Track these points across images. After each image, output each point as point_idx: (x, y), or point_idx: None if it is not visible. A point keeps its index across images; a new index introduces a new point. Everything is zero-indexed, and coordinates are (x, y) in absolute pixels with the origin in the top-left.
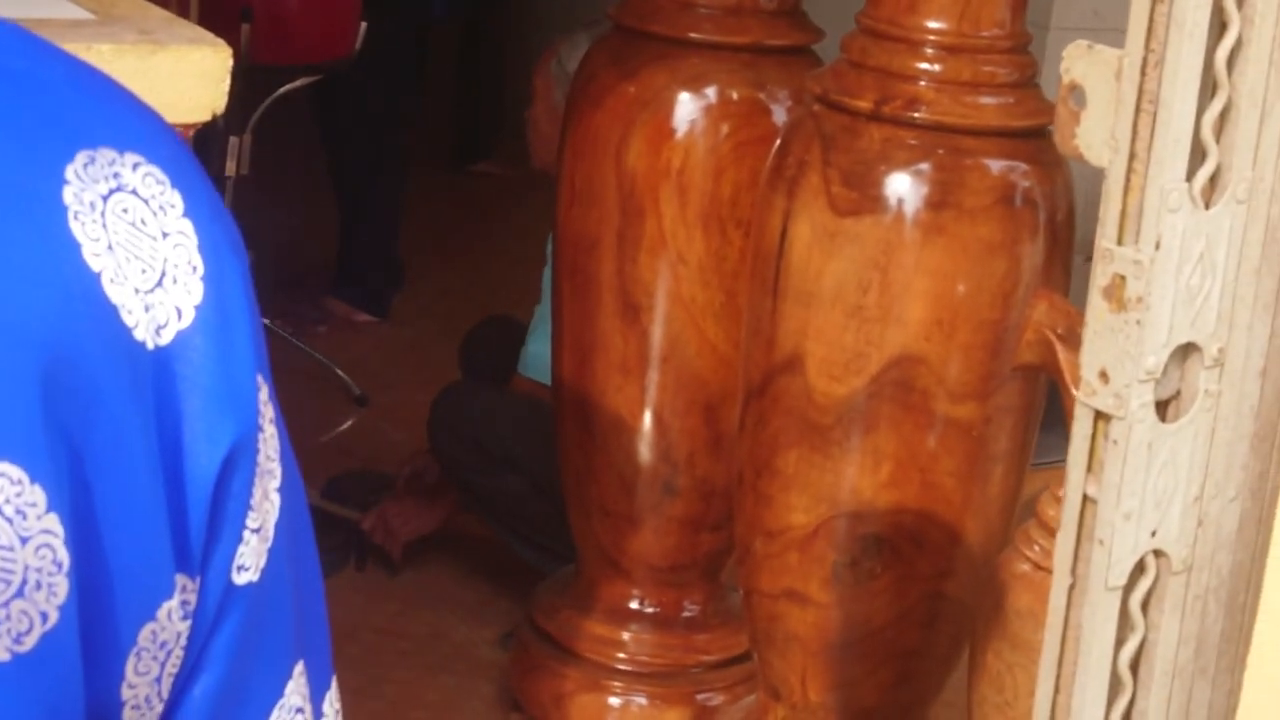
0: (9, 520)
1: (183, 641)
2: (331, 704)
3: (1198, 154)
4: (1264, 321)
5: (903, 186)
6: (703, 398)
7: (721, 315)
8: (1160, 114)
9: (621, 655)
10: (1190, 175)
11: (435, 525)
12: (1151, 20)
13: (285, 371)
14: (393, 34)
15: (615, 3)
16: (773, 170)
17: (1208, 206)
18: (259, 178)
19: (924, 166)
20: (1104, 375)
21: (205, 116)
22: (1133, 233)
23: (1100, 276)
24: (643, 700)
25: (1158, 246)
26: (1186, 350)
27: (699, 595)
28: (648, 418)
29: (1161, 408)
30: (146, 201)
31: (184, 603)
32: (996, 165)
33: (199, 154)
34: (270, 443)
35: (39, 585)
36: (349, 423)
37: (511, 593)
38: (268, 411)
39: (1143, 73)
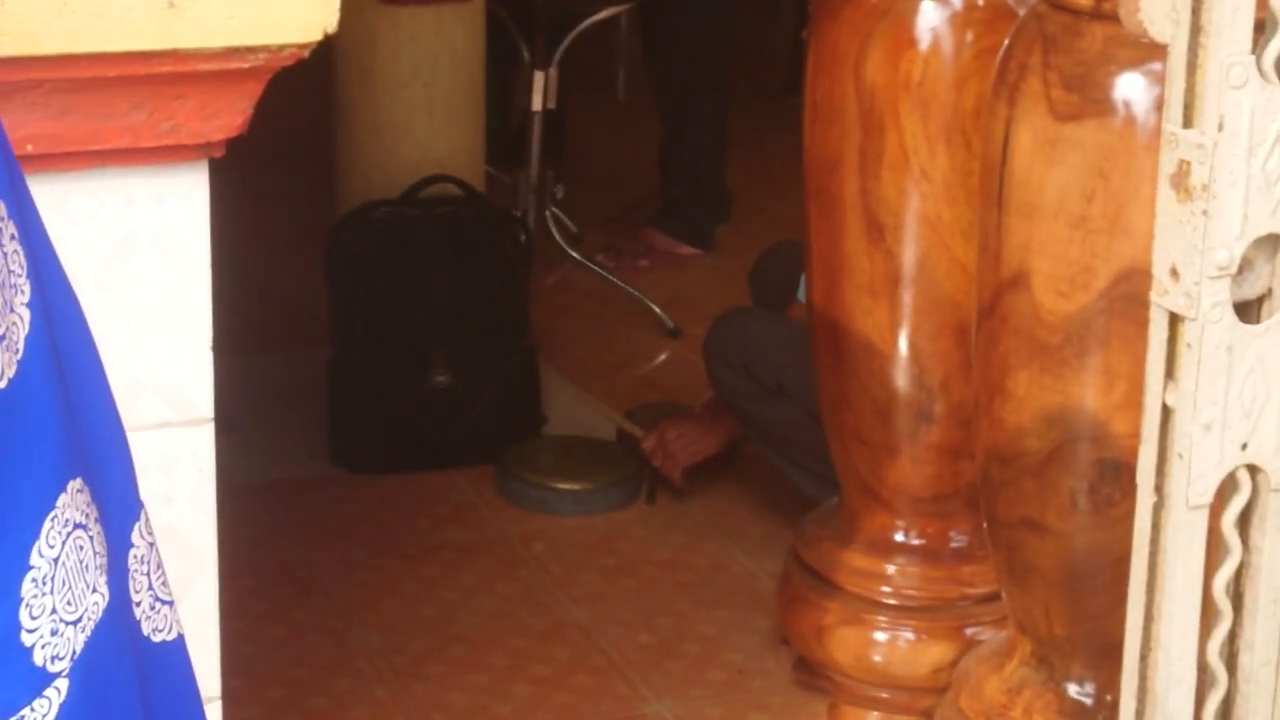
0: None
1: None
2: (142, 535)
3: (1271, 26)
4: None
5: (1125, 88)
6: (954, 320)
7: (970, 233)
8: None
9: (885, 588)
10: (1261, 48)
11: (714, 449)
12: None
13: (604, 304)
14: None
15: None
16: (997, 76)
17: None
18: (578, 112)
19: (1151, 66)
20: (1174, 272)
21: (317, 36)
22: (1198, 114)
23: (1166, 164)
24: (909, 634)
25: (1221, 127)
26: (1275, 243)
27: (965, 525)
28: (899, 342)
29: (1249, 308)
30: None
31: None
32: None
33: (504, 88)
34: (14, 258)
35: None
36: (662, 357)
37: None
38: (6, 228)
39: None
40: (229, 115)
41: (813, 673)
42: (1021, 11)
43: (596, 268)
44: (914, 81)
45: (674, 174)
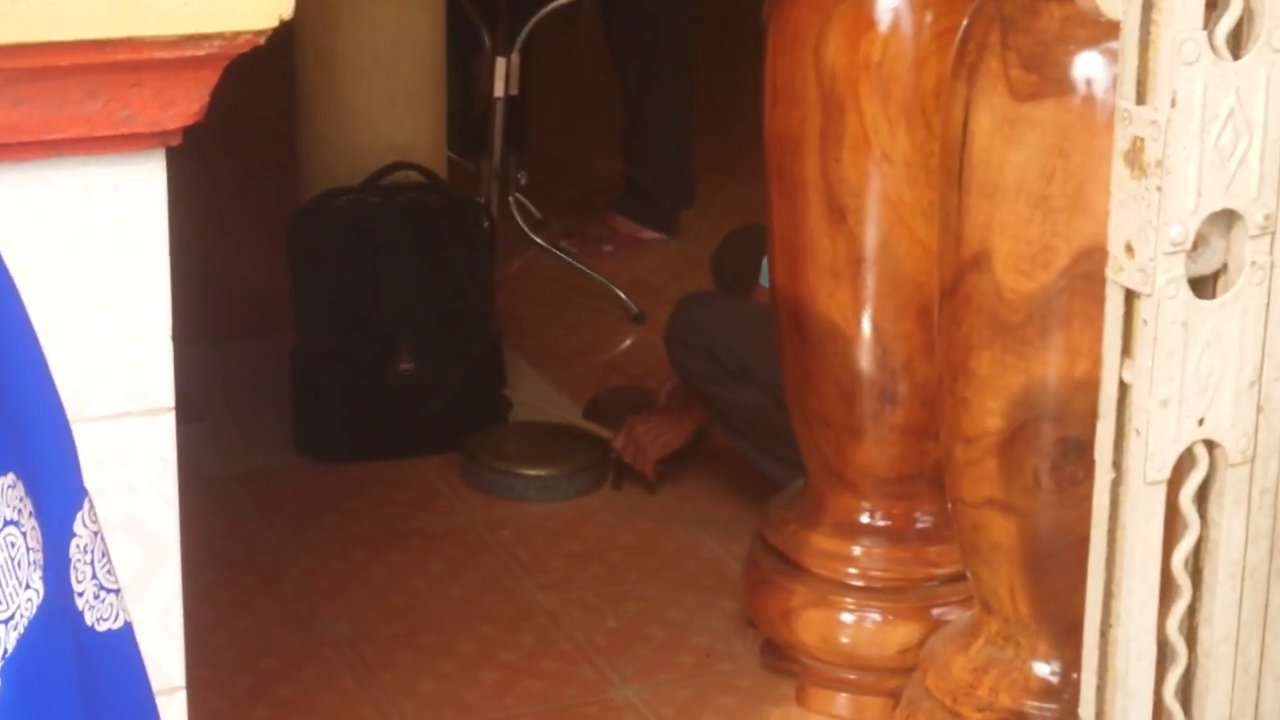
0: None
1: None
2: (85, 524)
3: (1224, 3)
4: None
5: (1083, 67)
6: (917, 300)
7: (931, 213)
8: None
9: (851, 570)
10: (1213, 24)
11: (684, 440)
12: None
13: (569, 290)
14: None
15: None
16: (956, 57)
17: (1236, 57)
18: (541, 98)
19: (1109, 45)
20: (1129, 249)
21: (273, 22)
22: (1151, 91)
23: (1120, 140)
24: (875, 616)
25: (1174, 103)
26: (1230, 219)
27: (930, 506)
28: (861, 323)
29: (1206, 283)
30: None
31: None
32: None
33: (465, 75)
34: None
35: None
36: (627, 341)
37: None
38: None
39: None
40: (185, 103)
41: (780, 655)
42: None
43: (560, 253)
44: (874, 62)
45: (637, 159)
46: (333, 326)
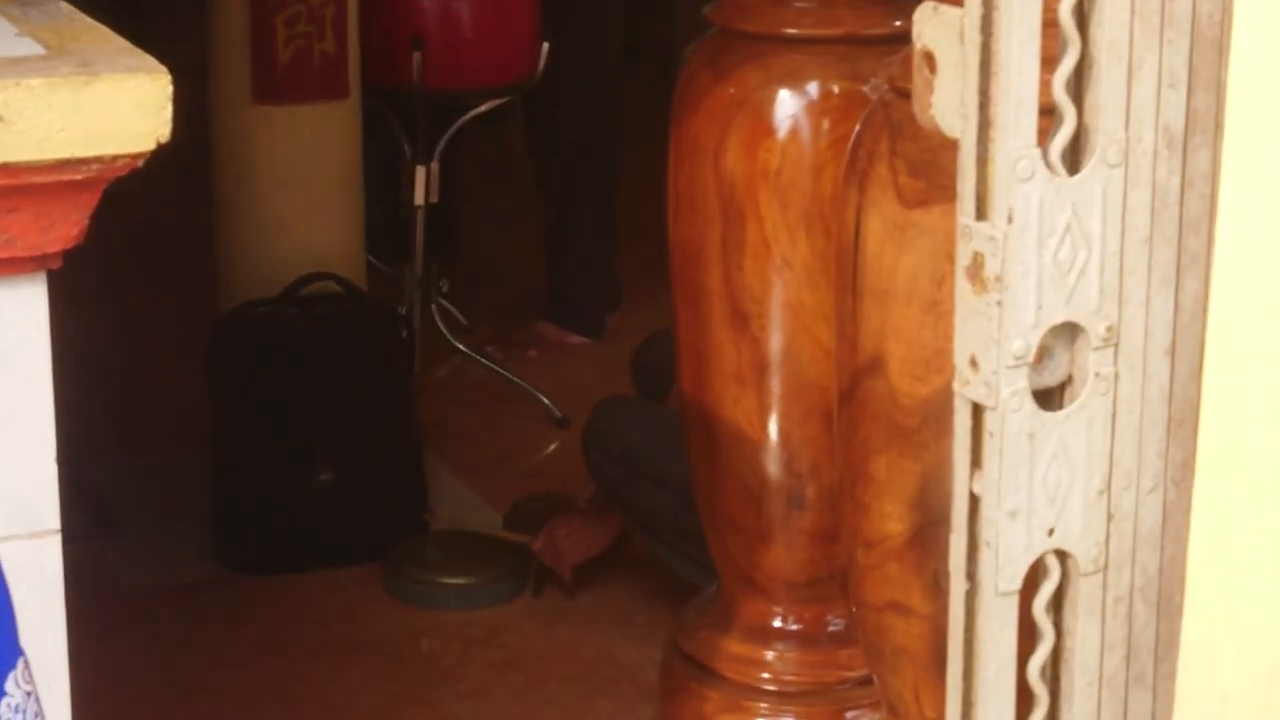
0: None
1: None
2: (18, 684)
3: (1058, 119)
4: (1164, 296)
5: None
6: (822, 405)
7: (833, 318)
8: (999, 76)
9: (765, 675)
10: (1048, 141)
11: (603, 545)
12: None
13: (492, 396)
14: (582, 48)
15: (711, 4)
16: (848, 164)
17: (1072, 173)
18: (467, 203)
19: None
20: (974, 363)
21: (150, 145)
22: (990, 207)
23: (962, 255)
24: None
25: (1010, 220)
26: (1072, 331)
27: (841, 609)
28: (768, 428)
29: (1052, 394)
30: None
31: None
32: None
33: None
34: None
35: None
36: (551, 447)
37: None
38: None
39: (984, 33)
40: (65, 226)
41: None
42: (874, 99)
43: (485, 359)
44: (772, 170)
45: (561, 263)
46: (252, 437)
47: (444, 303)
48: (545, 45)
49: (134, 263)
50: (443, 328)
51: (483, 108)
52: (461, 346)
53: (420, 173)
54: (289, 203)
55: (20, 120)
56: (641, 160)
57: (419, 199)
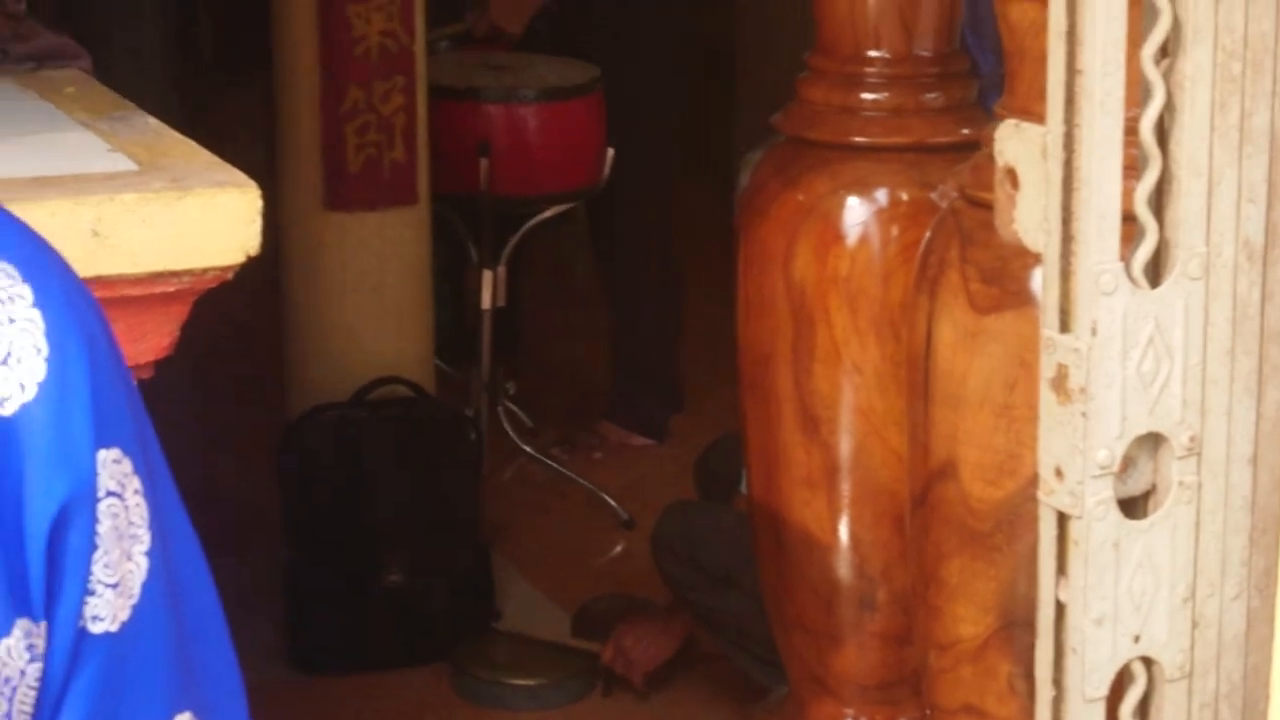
0: None
1: (32, 681)
2: None
3: (1140, 233)
4: (1246, 405)
5: (1041, 280)
6: (892, 509)
7: (903, 423)
8: (1081, 191)
9: None
10: (1130, 255)
11: (672, 650)
12: (1069, 91)
13: (559, 497)
14: (647, 154)
15: (779, 113)
16: (919, 271)
17: (1154, 286)
18: (532, 306)
19: None
20: (1059, 472)
21: (239, 258)
22: (1074, 320)
23: (1046, 368)
24: None
25: (1094, 332)
26: (1156, 441)
27: (913, 712)
28: (839, 531)
29: (1136, 504)
30: None
31: (30, 646)
32: None
33: (456, 286)
34: (136, 511)
35: None
36: (618, 549)
37: None
38: (131, 483)
39: (1066, 149)
40: (156, 337)
41: None
42: (944, 205)
43: (550, 461)
44: (842, 276)
45: (625, 365)
46: (322, 540)
47: (509, 405)
48: (610, 151)
49: (205, 366)
50: (509, 430)
51: (548, 213)
52: (527, 448)
53: (487, 277)
54: (359, 308)
55: (114, 235)
56: (701, 263)
57: (486, 303)
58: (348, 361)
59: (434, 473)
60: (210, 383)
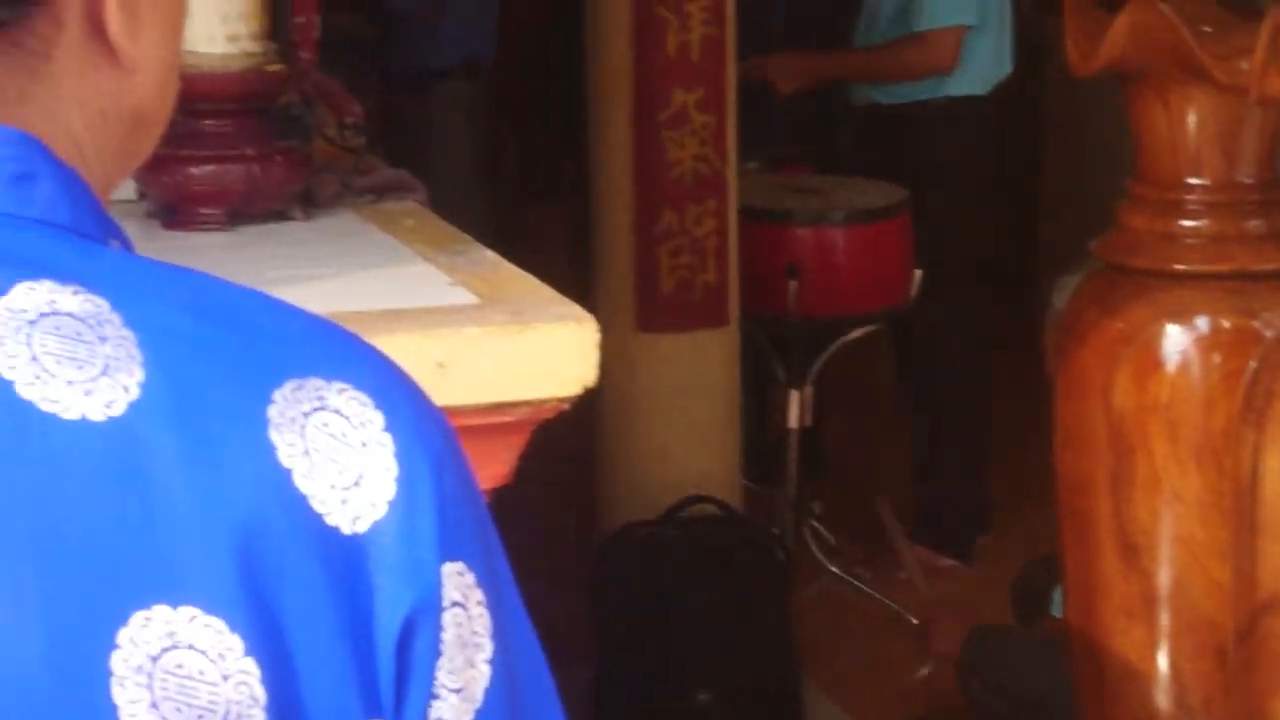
0: (213, 661)
1: None
2: None
3: None
4: None
5: None
6: (1214, 640)
7: (1226, 553)
8: None
9: None
10: None
11: None
12: None
13: (864, 617)
14: (955, 274)
15: (1098, 239)
16: (1244, 401)
17: None
18: (836, 426)
19: None
20: None
21: (577, 389)
22: None
23: None
24: None
25: None
26: None
27: None
28: (1157, 661)
29: None
30: (348, 418)
31: None
32: None
33: (761, 406)
34: (479, 620)
35: (239, 716)
36: (924, 670)
37: None
38: (474, 594)
39: None
40: (495, 465)
41: None
42: (1268, 334)
43: (855, 581)
44: (1162, 404)
45: (931, 486)
46: (632, 655)
47: (815, 524)
48: (918, 273)
49: (517, 481)
50: (814, 549)
51: (856, 334)
52: (833, 568)
53: (794, 397)
54: (669, 427)
55: (459, 366)
56: (1008, 382)
57: (793, 423)
58: (658, 480)
59: (743, 591)
60: (522, 497)
